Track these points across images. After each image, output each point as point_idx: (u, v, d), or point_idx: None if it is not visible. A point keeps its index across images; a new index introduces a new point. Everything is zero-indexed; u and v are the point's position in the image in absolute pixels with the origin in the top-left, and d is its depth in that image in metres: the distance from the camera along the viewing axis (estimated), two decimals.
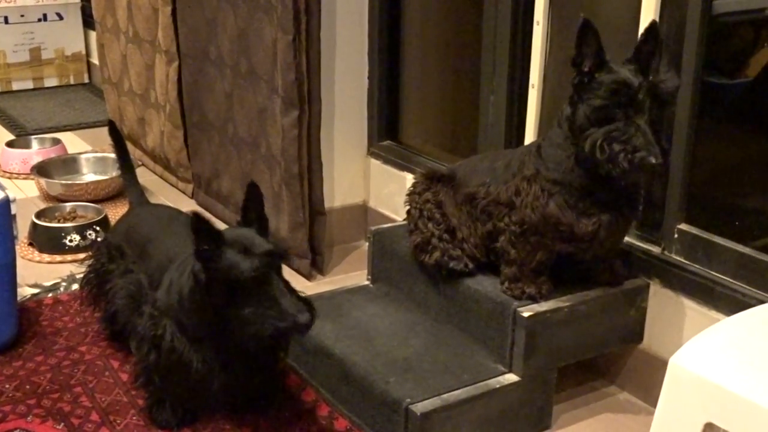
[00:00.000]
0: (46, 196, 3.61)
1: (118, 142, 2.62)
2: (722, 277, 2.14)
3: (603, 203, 2.05)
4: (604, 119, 1.94)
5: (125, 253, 2.33)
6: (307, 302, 1.89)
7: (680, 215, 2.24)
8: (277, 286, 1.86)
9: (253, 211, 1.98)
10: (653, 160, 1.88)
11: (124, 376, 2.32)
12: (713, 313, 2.14)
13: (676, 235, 2.24)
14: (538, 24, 2.46)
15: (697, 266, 2.20)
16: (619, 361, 2.39)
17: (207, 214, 1.86)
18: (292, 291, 1.89)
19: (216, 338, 1.97)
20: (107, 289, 2.35)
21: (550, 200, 2.07)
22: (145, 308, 2.10)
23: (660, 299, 2.26)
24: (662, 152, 1.90)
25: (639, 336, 2.32)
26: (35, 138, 4.13)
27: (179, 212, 2.50)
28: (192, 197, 3.68)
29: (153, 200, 3.27)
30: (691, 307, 2.20)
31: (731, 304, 2.09)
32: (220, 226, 3.32)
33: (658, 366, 2.22)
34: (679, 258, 2.24)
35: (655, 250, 2.29)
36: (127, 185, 2.65)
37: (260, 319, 1.84)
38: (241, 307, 1.85)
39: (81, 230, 3.13)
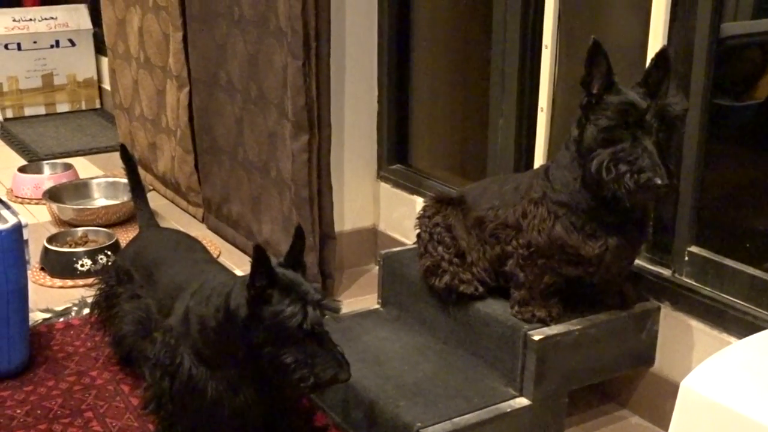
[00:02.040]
0: (58, 221, 3.62)
1: (130, 165, 2.64)
2: (733, 299, 2.14)
3: (610, 226, 2.05)
4: (610, 140, 1.94)
5: (133, 277, 2.34)
6: (344, 357, 1.89)
7: (690, 238, 2.24)
8: (325, 338, 1.86)
9: (297, 254, 1.95)
10: (659, 181, 1.87)
11: (135, 401, 2.32)
12: (724, 336, 2.13)
13: (686, 258, 2.24)
14: (546, 48, 2.47)
15: (708, 289, 2.19)
16: (630, 385, 2.38)
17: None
18: (335, 344, 1.89)
19: (233, 367, 1.97)
20: (114, 313, 2.35)
21: (557, 222, 2.07)
22: (156, 335, 2.09)
23: (671, 322, 2.26)
24: (668, 174, 1.90)
25: (650, 359, 2.31)
26: (47, 163, 4.15)
27: (186, 236, 2.51)
28: (202, 221, 3.69)
29: (163, 224, 3.28)
30: (702, 330, 2.19)
31: (743, 326, 2.08)
32: (231, 250, 3.36)
33: (670, 389, 2.21)
34: (689, 281, 2.24)
35: (666, 272, 2.28)
36: (138, 208, 2.66)
37: (302, 369, 1.84)
38: (283, 353, 1.85)
39: (92, 255, 3.14)
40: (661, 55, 1.97)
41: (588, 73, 1.97)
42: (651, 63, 1.97)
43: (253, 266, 1.83)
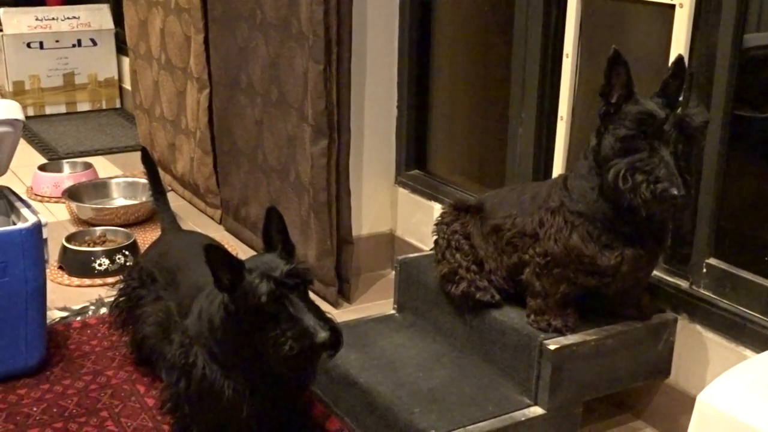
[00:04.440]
0: (77, 220, 3.65)
1: (151, 168, 2.65)
2: (751, 313, 2.12)
3: (627, 237, 2.04)
4: (628, 150, 1.94)
5: (156, 279, 2.35)
6: (330, 322, 1.87)
7: (709, 249, 2.23)
8: (295, 305, 1.85)
9: (275, 235, 1.96)
10: (675, 192, 1.87)
11: (150, 401, 2.33)
12: (741, 350, 2.12)
13: (704, 270, 2.23)
14: (567, 56, 2.47)
15: (726, 301, 2.18)
16: (646, 396, 2.37)
17: (223, 246, 1.86)
18: (316, 310, 1.87)
19: (246, 366, 1.98)
20: (137, 315, 2.37)
21: (573, 232, 2.06)
22: (174, 336, 2.11)
23: (688, 334, 2.25)
24: (685, 185, 1.89)
25: (666, 371, 2.30)
26: (67, 162, 4.18)
27: (209, 239, 2.51)
28: (220, 223, 3.70)
29: (182, 226, 3.29)
30: (719, 342, 2.18)
31: (761, 340, 2.07)
32: (248, 252, 3.37)
33: (685, 402, 2.20)
34: (707, 293, 2.23)
35: (683, 284, 2.27)
36: (160, 211, 2.67)
37: (280, 340, 1.84)
38: (263, 331, 1.86)
39: (110, 254, 3.16)
40: (677, 63, 1.97)
41: (607, 83, 1.97)
42: (668, 72, 1.97)
43: (208, 266, 1.87)
